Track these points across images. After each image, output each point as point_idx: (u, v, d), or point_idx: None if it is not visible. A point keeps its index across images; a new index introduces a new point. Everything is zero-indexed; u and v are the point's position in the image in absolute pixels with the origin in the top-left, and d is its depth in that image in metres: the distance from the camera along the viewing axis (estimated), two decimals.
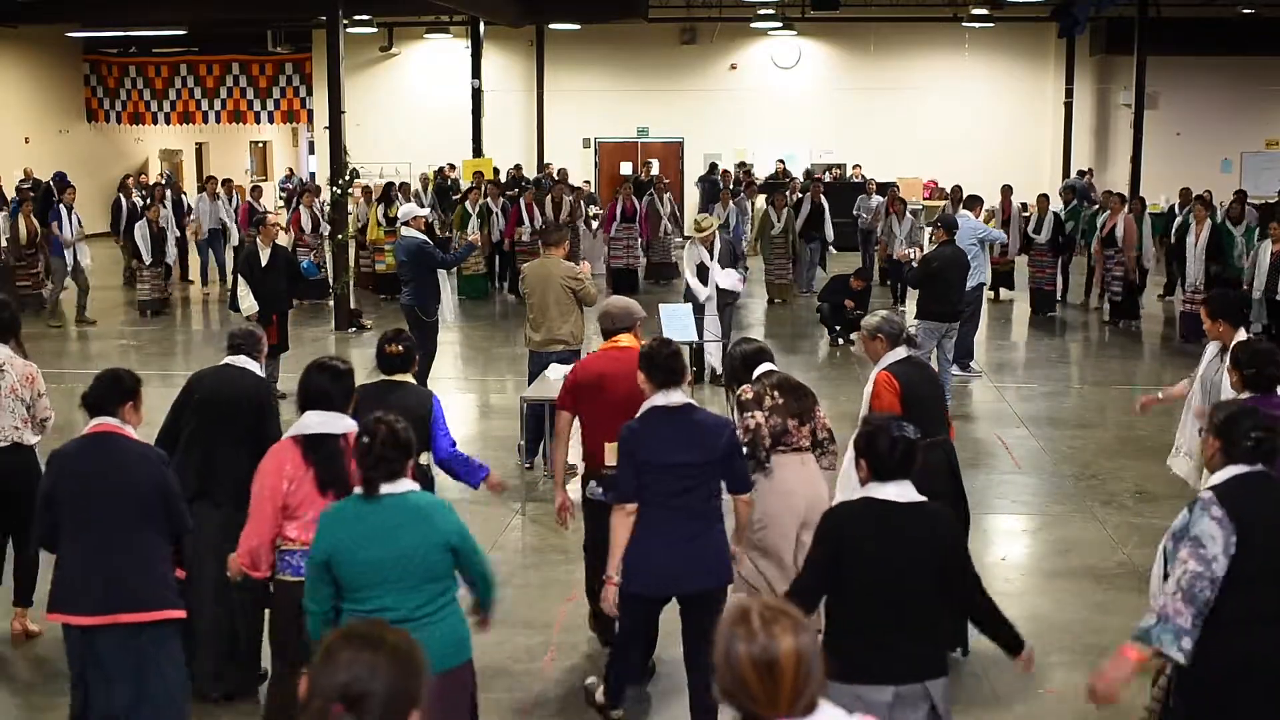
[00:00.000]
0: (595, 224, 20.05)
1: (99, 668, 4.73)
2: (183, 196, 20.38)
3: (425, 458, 5.87)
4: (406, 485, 4.17)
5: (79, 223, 16.36)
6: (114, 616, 4.69)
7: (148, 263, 16.57)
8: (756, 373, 5.88)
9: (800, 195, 19.09)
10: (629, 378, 5.34)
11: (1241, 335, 6.44)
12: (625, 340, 6.07)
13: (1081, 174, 24.73)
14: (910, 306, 17.44)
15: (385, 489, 4.12)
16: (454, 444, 5.80)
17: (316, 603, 4.18)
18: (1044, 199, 17.31)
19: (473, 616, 4.53)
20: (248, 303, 11.09)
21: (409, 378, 5.85)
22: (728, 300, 12.13)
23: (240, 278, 11.25)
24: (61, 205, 16.45)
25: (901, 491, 3.98)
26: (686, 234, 21.60)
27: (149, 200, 19.27)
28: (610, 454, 5.64)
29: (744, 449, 5.30)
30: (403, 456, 4.15)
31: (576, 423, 6.05)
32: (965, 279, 11.45)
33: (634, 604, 5.08)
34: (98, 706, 4.75)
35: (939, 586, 3.97)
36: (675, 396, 4.97)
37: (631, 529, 4.94)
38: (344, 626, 2.41)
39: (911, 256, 12.01)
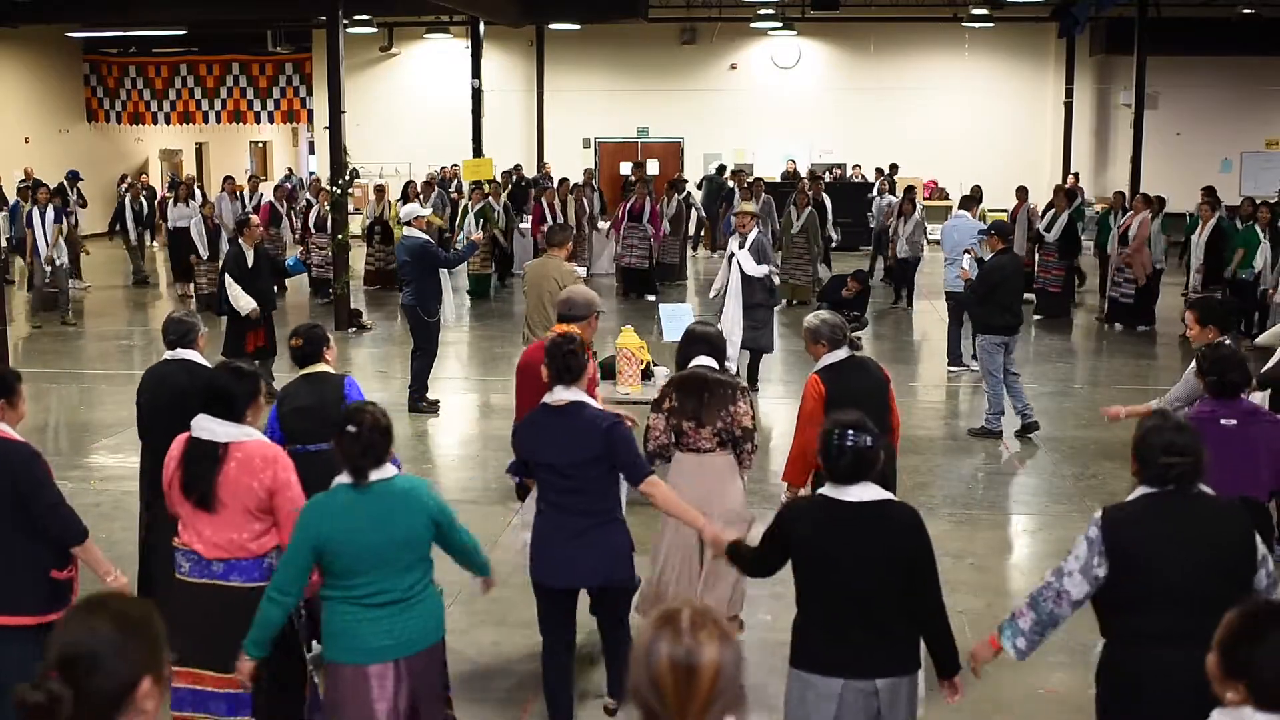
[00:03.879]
0: (606, 224, 20.08)
1: None
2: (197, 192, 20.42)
3: None
4: (391, 470, 4.26)
5: (54, 222, 16.28)
6: None
7: (205, 258, 16.77)
8: (690, 364, 5.94)
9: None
10: None
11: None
12: (572, 330, 6.04)
13: (894, 168, 24.49)
14: (917, 306, 17.57)
15: (374, 475, 4.20)
16: None
17: (288, 594, 4.24)
18: (1061, 198, 17.24)
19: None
20: (244, 301, 11.02)
21: (323, 366, 5.85)
22: (755, 302, 11.61)
23: (229, 279, 11.13)
24: (36, 206, 16.37)
25: (861, 491, 3.97)
26: (689, 235, 21.72)
27: (171, 197, 19.42)
28: None
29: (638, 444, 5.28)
30: (387, 442, 4.24)
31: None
32: (1022, 287, 11.08)
33: (538, 593, 5.19)
34: None
35: (898, 587, 3.95)
36: (564, 394, 4.95)
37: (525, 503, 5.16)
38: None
39: (969, 272, 11.39)
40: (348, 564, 4.17)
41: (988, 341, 10.45)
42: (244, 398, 4.71)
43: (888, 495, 4.04)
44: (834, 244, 19.07)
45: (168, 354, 6.00)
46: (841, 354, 6.07)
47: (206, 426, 4.67)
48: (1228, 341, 6.11)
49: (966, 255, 11.75)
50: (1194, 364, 6.59)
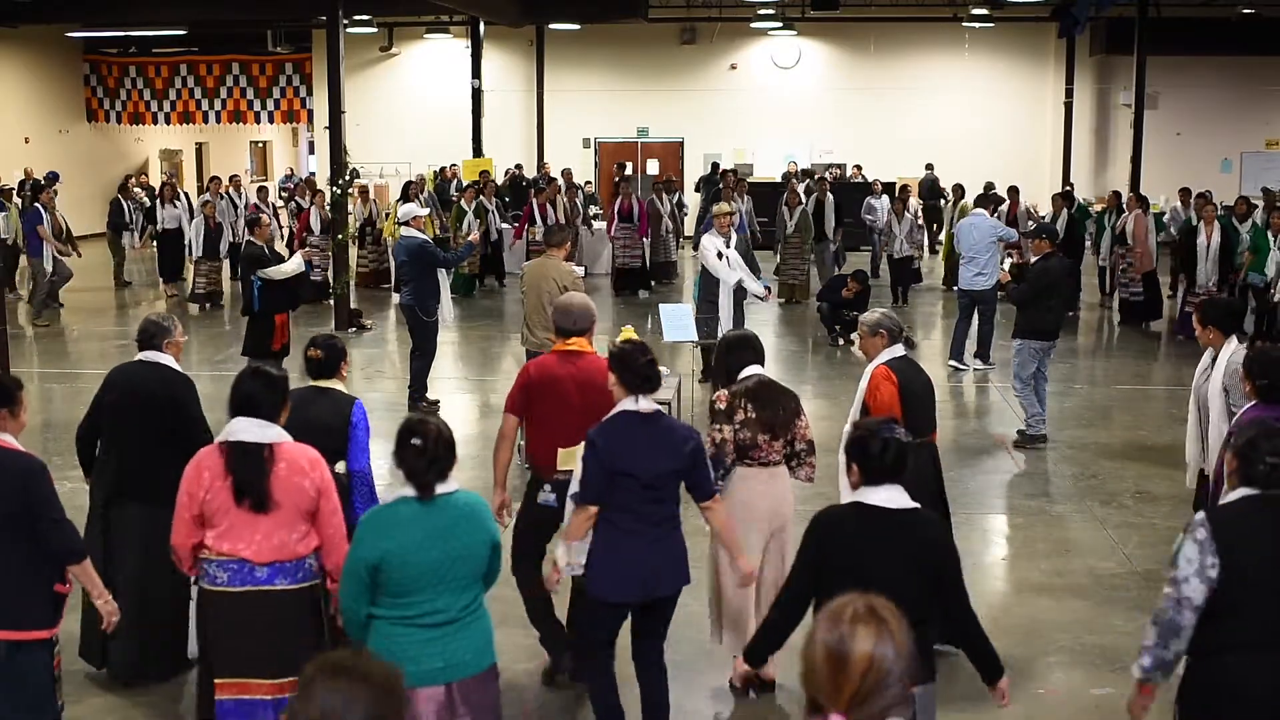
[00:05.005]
0: (598, 224, 20.09)
1: None
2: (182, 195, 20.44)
3: (340, 467, 5.72)
4: (454, 484, 4.15)
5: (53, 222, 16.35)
6: None
7: (198, 256, 16.87)
8: (742, 374, 5.76)
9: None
10: (582, 382, 5.29)
11: (1234, 343, 6.40)
12: (578, 343, 5.89)
13: (930, 167, 24.40)
14: (917, 306, 17.56)
15: (439, 489, 4.09)
16: (368, 461, 5.58)
17: (360, 603, 4.12)
18: (1058, 199, 17.29)
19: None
20: (289, 265, 10.97)
21: (335, 383, 5.72)
22: (738, 299, 11.71)
23: (256, 273, 11.02)
24: (39, 205, 16.40)
25: (892, 497, 3.93)
26: (687, 235, 21.73)
27: (156, 197, 19.41)
28: (563, 459, 5.61)
29: (709, 458, 5.24)
30: (452, 455, 4.12)
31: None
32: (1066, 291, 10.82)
33: (608, 612, 5.03)
34: None
35: (926, 595, 3.92)
36: (646, 403, 4.89)
37: (593, 533, 4.90)
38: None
39: (1011, 269, 11.13)
40: (406, 581, 4.03)
41: (1026, 347, 10.07)
42: (276, 403, 4.70)
43: (914, 504, 3.99)
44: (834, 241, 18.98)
45: (140, 355, 5.94)
46: (900, 349, 6.02)
47: (246, 429, 4.60)
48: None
49: (1008, 259, 11.61)
50: (1227, 368, 6.53)
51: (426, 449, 4.03)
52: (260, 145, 34.78)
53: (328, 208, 17.56)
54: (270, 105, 28.00)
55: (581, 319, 5.94)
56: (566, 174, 22.15)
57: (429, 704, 4.09)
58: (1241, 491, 3.91)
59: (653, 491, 4.84)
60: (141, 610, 5.68)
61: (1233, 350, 6.32)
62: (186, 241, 18.69)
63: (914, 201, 19.47)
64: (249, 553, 4.56)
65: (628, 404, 4.88)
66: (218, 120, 28.44)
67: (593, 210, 21.43)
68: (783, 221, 17.57)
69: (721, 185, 20.44)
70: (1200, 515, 3.91)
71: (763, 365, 5.88)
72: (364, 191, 19.39)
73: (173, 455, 5.21)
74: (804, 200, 17.91)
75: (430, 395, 11.43)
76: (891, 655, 2.28)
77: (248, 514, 4.55)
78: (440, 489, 4.08)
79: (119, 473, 5.81)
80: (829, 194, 18.60)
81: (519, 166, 24.55)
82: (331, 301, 16.23)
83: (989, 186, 13.99)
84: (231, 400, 4.70)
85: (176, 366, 5.93)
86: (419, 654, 4.05)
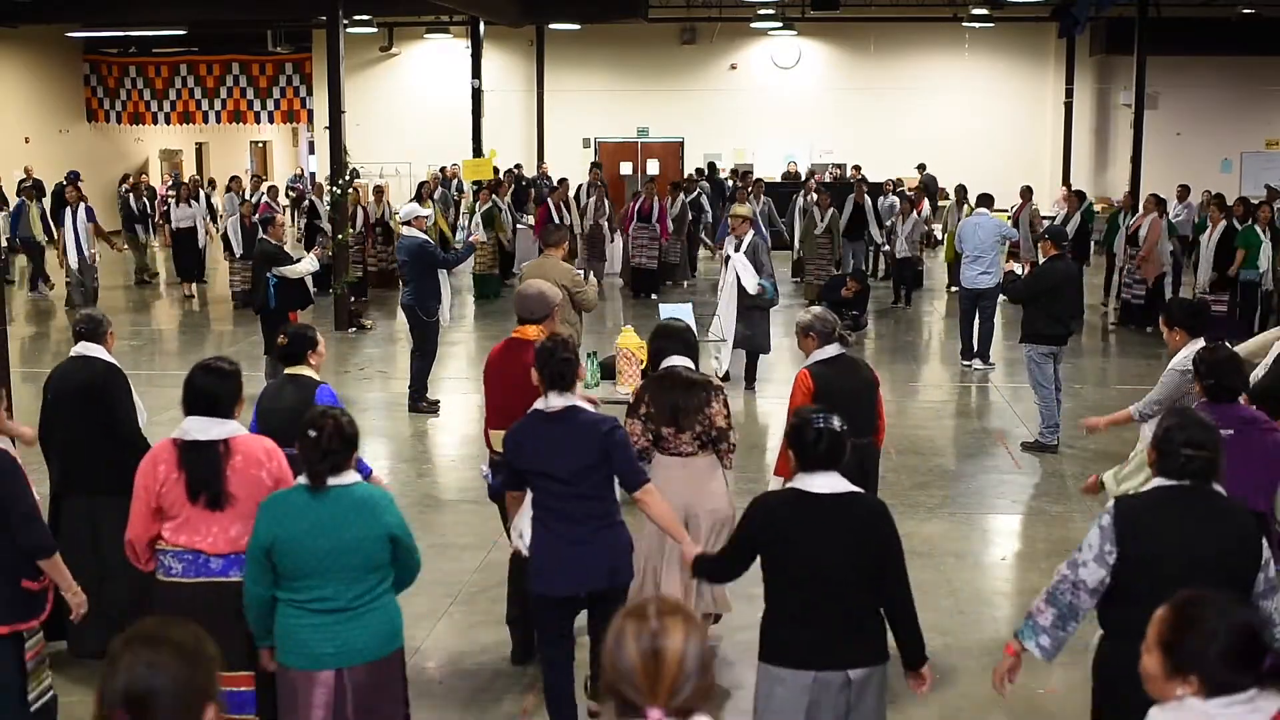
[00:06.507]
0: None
1: None
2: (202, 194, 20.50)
3: None
4: (352, 477, 4.23)
5: (87, 219, 16.38)
6: None
7: (239, 255, 16.92)
8: (663, 364, 5.81)
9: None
10: (522, 371, 5.33)
11: (1199, 344, 6.40)
12: (532, 332, 5.99)
13: (922, 167, 24.22)
14: (918, 306, 17.57)
15: (331, 481, 4.18)
16: None
17: (258, 583, 4.25)
18: (1072, 199, 17.29)
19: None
20: (304, 264, 11.04)
21: (305, 369, 5.76)
22: (751, 303, 11.52)
23: (272, 270, 11.01)
24: (67, 206, 16.53)
25: (829, 483, 4.00)
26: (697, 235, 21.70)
27: (174, 197, 19.49)
28: (495, 440, 5.90)
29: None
30: (349, 449, 4.21)
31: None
32: (1081, 294, 10.58)
33: (539, 604, 5.09)
34: None
35: (868, 578, 4.00)
36: (558, 400, 4.87)
37: (520, 510, 5.11)
38: (131, 627, 2.35)
39: (1018, 270, 10.98)
40: (293, 566, 4.15)
41: (1035, 352, 9.92)
42: (229, 397, 4.70)
43: (855, 488, 4.07)
44: (878, 243, 19.08)
45: (74, 349, 5.97)
46: (832, 350, 6.06)
47: (199, 428, 4.62)
48: (1225, 344, 6.08)
49: (1019, 265, 11.55)
50: (1170, 366, 6.63)
51: (320, 442, 4.14)
52: (260, 145, 34.79)
53: (328, 207, 17.59)
54: (270, 105, 28.02)
55: (537, 308, 6.16)
56: (594, 174, 22.11)
57: (320, 687, 4.20)
58: (1156, 481, 3.94)
59: (572, 488, 4.84)
60: (112, 596, 5.61)
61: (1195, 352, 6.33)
62: (202, 243, 18.78)
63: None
64: (204, 544, 4.61)
65: (539, 403, 4.91)
66: (218, 120, 28.46)
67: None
68: (813, 222, 17.60)
69: (738, 189, 20.42)
70: (1110, 503, 3.94)
71: (692, 358, 5.89)
72: (380, 191, 19.43)
73: (113, 447, 5.33)
74: (831, 203, 17.94)
75: (431, 395, 11.42)
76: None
77: (204, 510, 4.60)
78: (335, 481, 4.17)
79: (63, 466, 5.88)
80: (865, 196, 18.81)
81: (519, 166, 24.55)
82: (332, 301, 16.24)
83: (989, 200, 13.99)
84: (184, 397, 4.69)
85: (108, 358, 5.97)
86: (310, 638, 4.19)
